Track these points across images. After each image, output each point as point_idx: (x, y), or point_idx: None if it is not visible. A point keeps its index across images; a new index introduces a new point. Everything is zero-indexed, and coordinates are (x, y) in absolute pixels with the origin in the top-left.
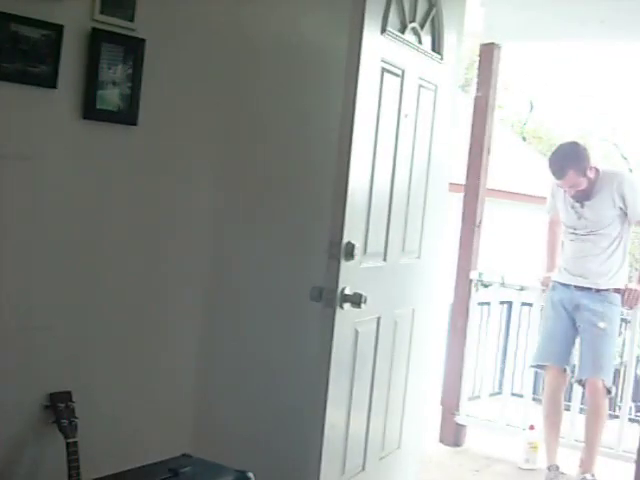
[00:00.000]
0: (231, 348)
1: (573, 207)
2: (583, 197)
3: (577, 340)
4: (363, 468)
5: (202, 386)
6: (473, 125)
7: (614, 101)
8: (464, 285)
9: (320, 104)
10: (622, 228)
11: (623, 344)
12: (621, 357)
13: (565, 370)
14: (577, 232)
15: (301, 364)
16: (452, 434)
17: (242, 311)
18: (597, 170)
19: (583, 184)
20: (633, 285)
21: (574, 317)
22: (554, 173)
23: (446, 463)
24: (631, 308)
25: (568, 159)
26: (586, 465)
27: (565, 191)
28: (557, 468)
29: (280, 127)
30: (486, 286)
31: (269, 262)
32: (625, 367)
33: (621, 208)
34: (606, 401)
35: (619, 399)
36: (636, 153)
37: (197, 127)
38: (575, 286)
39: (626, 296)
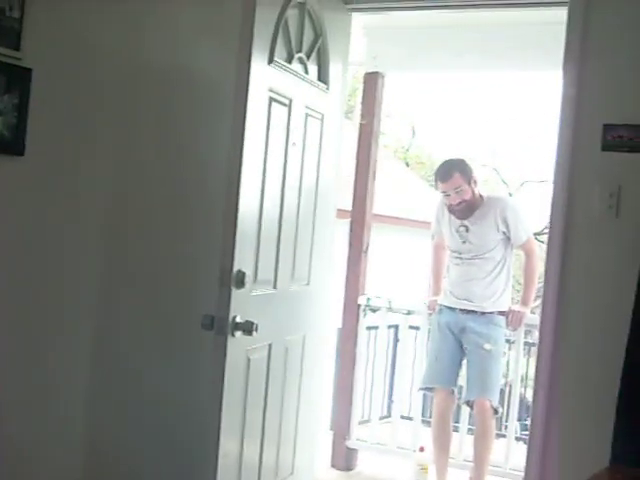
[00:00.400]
0: (121, 380)
1: (458, 231)
2: (467, 213)
3: (464, 362)
4: None
5: (91, 419)
6: (358, 152)
7: (494, 127)
8: (352, 310)
9: (209, 133)
10: (505, 252)
11: (507, 364)
12: (506, 377)
13: (453, 392)
14: (462, 256)
15: (194, 393)
16: (344, 458)
17: (132, 342)
18: (482, 196)
19: (468, 193)
20: (517, 307)
21: (460, 339)
22: (441, 176)
23: None
24: (515, 329)
25: (455, 164)
26: None
27: (450, 210)
28: None
29: (170, 155)
30: (374, 311)
31: (159, 291)
32: (510, 387)
33: (504, 232)
34: (494, 421)
35: (505, 418)
36: (515, 178)
37: (86, 157)
38: (461, 309)
39: (510, 318)
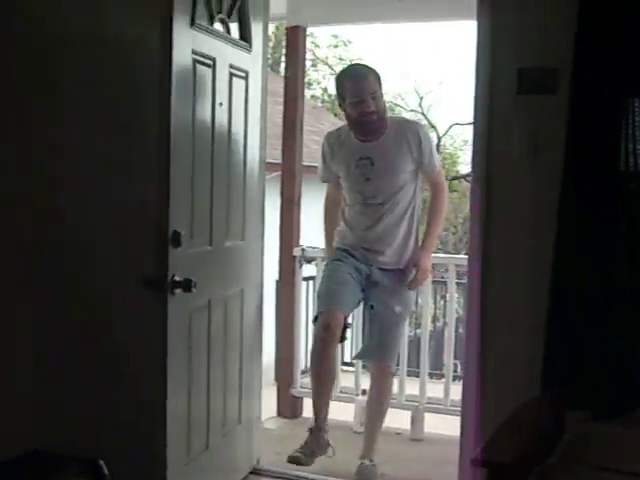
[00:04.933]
0: (66, 345)
1: (359, 167)
2: (375, 133)
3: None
4: (207, 446)
5: (43, 387)
6: (285, 105)
7: (423, 72)
8: (288, 262)
9: (138, 97)
10: (415, 190)
11: (444, 306)
12: (444, 317)
13: (345, 319)
14: (367, 201)
15: (139, 352)
16: (289, 407)
17: (76, 305)
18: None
19: (381, 103)
20: (425, 263)
21: (367, 291)
22: (355, 75)
23: (286, 434)
24: (412, 289)
25: (368, 67)
26: (367, 451)
27: (358, 125)
28: (320, 431)
29: (101, 121)
30: (309, 262)
31: (96, 254)
32: (446, 327)
33: (417, 161)
34: (392, 386)
35: (445, 358)
36: (443, 121)
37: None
38: (370, 265)
39: (419, 276)
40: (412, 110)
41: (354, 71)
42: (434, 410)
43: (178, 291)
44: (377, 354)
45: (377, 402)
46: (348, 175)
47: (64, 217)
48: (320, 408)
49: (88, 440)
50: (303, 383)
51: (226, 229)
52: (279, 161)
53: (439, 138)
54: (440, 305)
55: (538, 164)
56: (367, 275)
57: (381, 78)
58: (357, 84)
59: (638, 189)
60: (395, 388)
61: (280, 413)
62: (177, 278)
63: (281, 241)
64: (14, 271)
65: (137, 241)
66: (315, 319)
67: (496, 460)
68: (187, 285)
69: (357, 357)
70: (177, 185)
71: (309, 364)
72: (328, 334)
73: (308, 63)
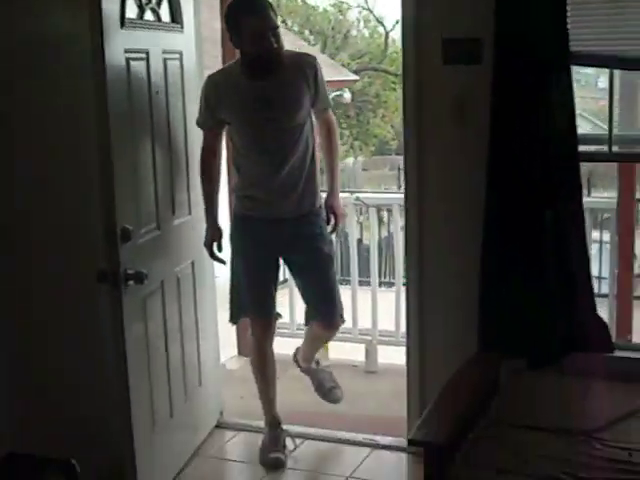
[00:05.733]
0: (37, 340)
1: (255, 108)
2: (272, 71)
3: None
4: (171, 415)
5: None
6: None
7: None
8: None
9: (73, 103)
10: (312, 133)
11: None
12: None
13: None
14: (268, 146)
15: (98, 342)
16: (249, 346)
17: (34, 300)
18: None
19: (280, 41)
20: (340, 208)
21: (283, 254)
22: (256, 8)
23: (247, 375)
24: (333, 234)
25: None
26: (310, 355)
27: (255, 65)
28: (279, 424)
29: (44, 117)
30: None
31: (48, 251)
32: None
33: (313, 97)
34: None
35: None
36: (390, 16)
37: None
38: (279, 218)
39: (339, 221)
40: (359, 6)
41: (251, 5)
42: (386, 343)
43: (131, 283)
44: (328, 312)
45: (319, 342)
46: (243, 120)
47: (15, 214)
48: (271, 401)
49: (56, 437)
50: None
51: (172, 209)
52: None
53: (387, 33)
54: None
55: (465, 132)
56: (287, 242)
57: (276, 13)
58: (257, 20)
59: (556, 150)
60: (349, 323)
61: (241, 352)
62: (129, 271)
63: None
64: None
65: (88, 237)
66: (232, 317)
67: (430, 440)
68: (139, 278)
69: (309, 319)
70: (122, 181)
71: (250, 362)
72: (265, 338)
73: None
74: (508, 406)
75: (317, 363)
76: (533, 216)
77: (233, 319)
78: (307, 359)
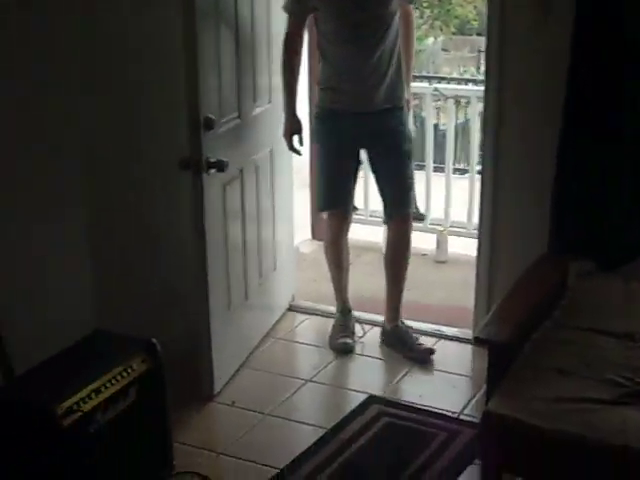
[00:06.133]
0: (121, 227)
1: None
2: None
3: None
4: (246, 297)
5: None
6: None
7: None
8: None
9: None
10: (398, 23)
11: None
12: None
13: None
14: (361, 32)
15: (181, 227)
16: (322, 230)
17: (125, 188)
18: None
19: None
20: (410, 96)
21: (365, 148)
22: None
23: (320, 258)
24: None
25: None
26: (395, 313)
27: None
28: (349, 311)
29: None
30: None
31: (138, 137)
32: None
33: None
34: (411, 236)
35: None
36: None
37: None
38: (363, 112)
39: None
40: None
41: None
42: (457, 234)
43: (212, 171)
44: (402, 204)
45: (401, 258)
46: (337, 6)
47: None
48: (344, 288)
49: (137, 317)
50: None
51: (253, 96)
52: None
53: None
54: None
55: (549, 32)
56: (369, 134)
57: None
58: None
59: None
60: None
61: (314, 236)
62: (211, 159)
63: (310, 95)
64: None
65: (171, 126)
66: (320, 209)
67: (495, 339)
68: (220, 166)
69: (387, 219)
70: (205, 70)
71: (324, 251)
72: (340, 230)
73: None
74: (574, 309)
75: (402, 322)
76: (613, 118)
77: (320, 209)
78: (393, 310)
